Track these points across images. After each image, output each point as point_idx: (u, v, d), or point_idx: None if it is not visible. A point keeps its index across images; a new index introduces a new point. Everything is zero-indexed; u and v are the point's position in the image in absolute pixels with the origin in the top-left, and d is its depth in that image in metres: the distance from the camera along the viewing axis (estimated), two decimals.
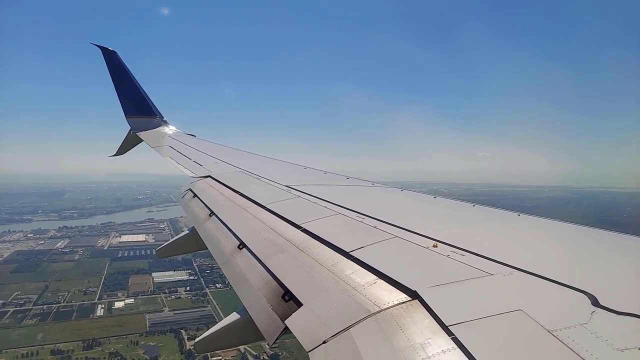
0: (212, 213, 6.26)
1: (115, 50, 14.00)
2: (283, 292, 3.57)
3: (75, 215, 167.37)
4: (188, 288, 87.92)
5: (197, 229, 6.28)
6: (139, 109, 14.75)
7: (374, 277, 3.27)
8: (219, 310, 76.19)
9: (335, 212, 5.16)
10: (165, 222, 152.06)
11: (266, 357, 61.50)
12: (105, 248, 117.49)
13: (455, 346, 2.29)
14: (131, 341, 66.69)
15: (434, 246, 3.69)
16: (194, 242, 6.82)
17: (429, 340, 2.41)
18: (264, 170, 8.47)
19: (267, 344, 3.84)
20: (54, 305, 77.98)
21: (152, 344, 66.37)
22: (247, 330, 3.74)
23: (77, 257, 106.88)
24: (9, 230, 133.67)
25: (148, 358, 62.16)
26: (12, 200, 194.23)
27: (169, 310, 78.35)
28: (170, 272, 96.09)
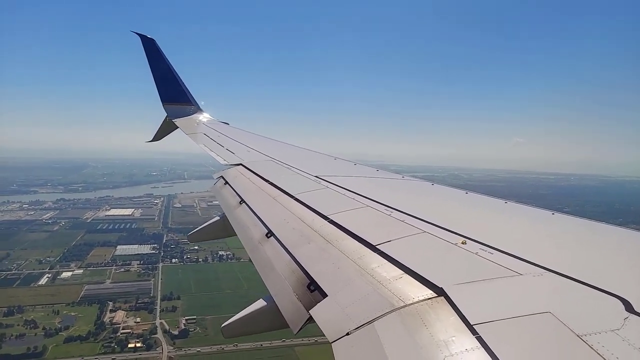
0: (242, 201, 6.37)
1: (154, 39, 14.33)
2: (309, 282, 3.61)
3: (80, 189, 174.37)
4: (141, 261, 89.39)
5: (227, 216, 6.41)
6: (176, 96, 15.10)
7: (400, 271, 3.26)
8: (159, 285, 78.35)
9: (364, 204, 5.15)
10: (162, 198, 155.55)
11: (175, 333, 62.72)
12: (89, 220, 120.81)
13: (479, 345, 2.27)
14: (53, 310, 68.05)
15: (462, 243, 3.63)
16: (223, 229, 6.98)
17: (453, 338, 2.39)
18: (294, 159, 8.53)
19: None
20: (4, 273, 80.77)
21: (73, 314, 67.48)
22: (272, 318, 3.81)
23: (56, 228, 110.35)
24: (7, 201, 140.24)
25: (60, 327, 63.22)
26: (29, 173, 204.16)
27: (110, 283, 79.80)
28: (135, 246, 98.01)
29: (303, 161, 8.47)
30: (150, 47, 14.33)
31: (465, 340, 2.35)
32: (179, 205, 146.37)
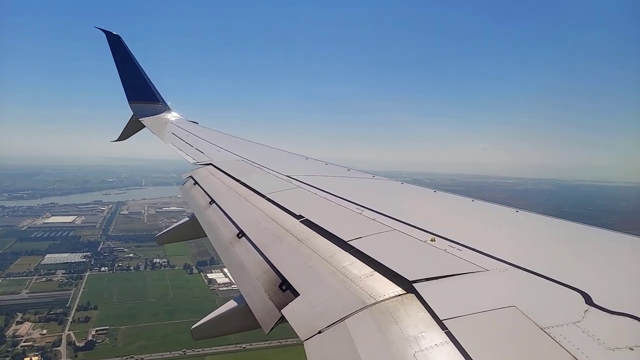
0: (212, 201, 6.28)
1: (120, 35, 13.91)
2: (280, 281, 3.60)
3: (24, 196, 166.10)
4: (66, 270, 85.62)
5: (197, 217, 6.30)
6: (142, 94, 14.68)
7: (371, 269, 3.30)
8: (79, 294, 75.44)
9: (335, 203, 5.18)
10: (111, 205, 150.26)
11: (80, 344, 60.52)
12: (24, 228, 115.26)
13: (448, 340, 2.32)
14: None
15: (431, 240, 3.71)
16: (193, 230, 6.85)
17: (423, 334, 2.44)
18: (266, 159, 8.47)
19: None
20: None
21: None
22: (244, 318, 3.78)
23: None
24: None
25: None
26: None
27: (27, 293, 75.73)
28: (66, 254, 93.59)
29: (274, 161, 8.43)
30: (116, 44, 13.90)
31: (434, 336, 2.40)
32: (126, 212, 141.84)
